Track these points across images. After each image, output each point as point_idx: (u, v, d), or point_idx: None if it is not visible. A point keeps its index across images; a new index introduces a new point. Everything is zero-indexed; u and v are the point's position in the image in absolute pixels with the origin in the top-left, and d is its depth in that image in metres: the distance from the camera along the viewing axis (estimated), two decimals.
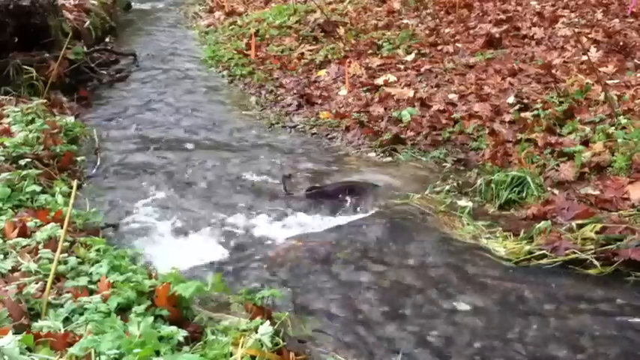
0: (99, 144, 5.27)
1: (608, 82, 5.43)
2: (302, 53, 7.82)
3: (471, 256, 3.48)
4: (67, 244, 3.10)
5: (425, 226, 3.83)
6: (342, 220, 4.00)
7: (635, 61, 6.12)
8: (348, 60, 7.10)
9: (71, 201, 3.10)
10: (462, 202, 4.08)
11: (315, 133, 5.63)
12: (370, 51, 7.53)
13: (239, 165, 4.91)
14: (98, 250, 3.10)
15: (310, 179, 4.60)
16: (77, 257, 3.00)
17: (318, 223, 3.98)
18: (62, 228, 3.00)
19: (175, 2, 13.65)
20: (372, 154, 5.07)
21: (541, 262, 3.36)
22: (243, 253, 3.63)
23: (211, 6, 12.08)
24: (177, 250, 3.65)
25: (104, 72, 7.52)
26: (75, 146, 5.02)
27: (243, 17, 10.25)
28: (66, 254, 2.98)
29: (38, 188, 3.84)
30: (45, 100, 5.62)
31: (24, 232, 3.20)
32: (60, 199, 3.80)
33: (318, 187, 4.40)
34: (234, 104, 6.61)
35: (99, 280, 2.73)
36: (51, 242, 3.10)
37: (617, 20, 7.34)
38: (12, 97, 5.59)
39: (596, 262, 3.26)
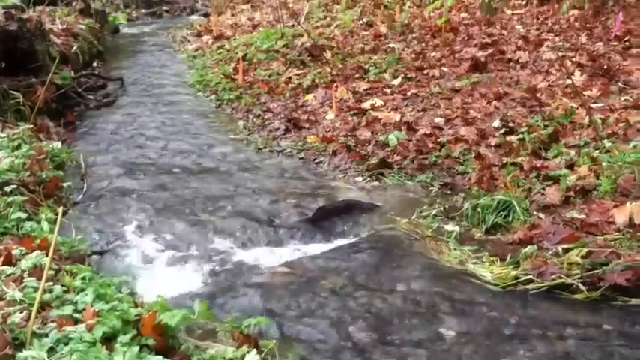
0: (85, 169, 5.26)
1: (593, 105, 5.48)
2: (289, 77, 7.87)
3: (458, 281, 3.48)
4: (52, 272, 3.07)
5: (412, 251, 3.83)
6: (329, 245, 4.00)
7: (619, 84, 6.17)
8: (335, 84, 7.15)
9: (57, 228, 3.09)
10: (449, 227, 4.09)
11: (302, 158, 5.64)
12: (357, 75, 7.59)
13: (227, 190, 4.90)
14: (84, 278, 3.07)
15: (297, 204, 4.59)
16: (62, 285, 2.97)
17: (306, 249, 3.97)
18: (48, 256, 2.99)
19: (163, 26, 13.76)
20: (360, 179, 5.08)
21: (528, 286, 3.36)
22: (230, 279, 3.61)
23: (199, 30, 12.18)
24: (164, 278, 3.63)
25: (91, 97, 7.55)
26: (61, 172, 5.00)
27: (231, 41, 10.33)
28: (51, 282, 2.95)
29: (24, 215, 3.82)
30: (31, 126, 5.62)
31: (9, 260, 3.18)
32: (46, 226, 3.77)
33: (324, 207, 4.39)
34: (222, 128, 6.63)
35: (84, 309, 2.71)
36: (36, 270, 3.07)
37: (600, 44, 7.43)
38: None
39: (582, 287, 3.26)
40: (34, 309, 2.58)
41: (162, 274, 3.68)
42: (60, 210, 3.41)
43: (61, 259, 3.42)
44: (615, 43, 7.36)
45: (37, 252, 3.25)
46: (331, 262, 3.71)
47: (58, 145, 5.48)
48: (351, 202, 4.48)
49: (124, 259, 3.85)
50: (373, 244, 3.93)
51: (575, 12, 8.64)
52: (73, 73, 7.41)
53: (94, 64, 9.28)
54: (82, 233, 3.99)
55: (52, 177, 4.69)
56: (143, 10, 16.52)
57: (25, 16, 7.00)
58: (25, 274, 3.04)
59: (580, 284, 3.28)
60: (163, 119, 6.86)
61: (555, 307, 3.20)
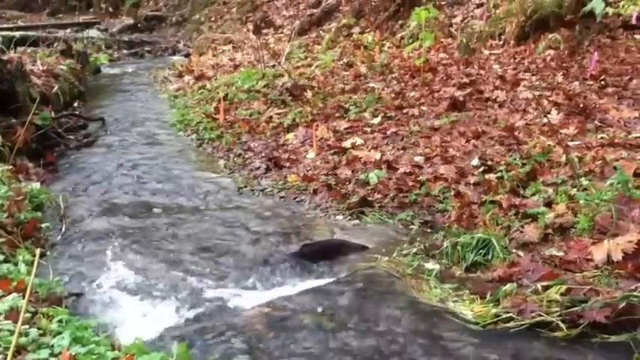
0: (64, 210, 5.22)
1: (570, 143, 5.55)
2: (270, 117, 7.91)
3: (439, 319, 3.48)
4: (28, 315, 3.04)
5: (393, 290, 3.83)
6: (310, 284, 3.98)
7: (596, 122, 6.25)
8: (315, 123, 7.19)
9: (34, 270, 3.07)
10: (430, 265, 4.09)
11: (283, 197, 5.65)
12: (337, 114, 7.65)
13: (207, 229, 4.89)
14: (60, 321, 3.04)
15: (278, 243, 4.58)
16: (39, 329, 2.94)
17: (287, 288, 3.95)
18: (24, 298, 2.95)
19: (145, 67, 13.82)
20: (340, 217, 5.09)
21: (508, 325, 3.36)
22: (209, 320, 3.57)
23: (181, 70, 12.24)
24: (142, 319, 3.59)
25: (72, 137, 7.54)
26: (40, 213, 4.96)
27: (213, 81, 10.39)
28: (27, 326, 2.91)
29: (1, 257, 3.78)
30: (10, 167, 5.59)
31: None
32: (23, 268, 3.74)
33: (311, 244, 4.39)
34: (203, 168, 6.63)
35: (60, 353, 2.68)
36: (12, 313, 3.03)
37: (577, 83, 7.55)
38: None
39: (562, 325, 3.27)
40: (10, 353, 2.54)
41: (140, 316, 3.64)
42: (37, 252, 3.38)
43: (37, 302, 3.38)
44: (591, 82, 7.48)
45: (14, 294, 3.22)
46: (312, 301, 3.69)
47: (37, 185, 5.44)
48: (335, 241, 4.48)
49: (101, 300, 3.80)
50: (354, 282, 3.92)
51: (551, 52, 8.79)
52: (53, 114, 7.41)
53: (75, 105, 9.28)
54: (59, 275, 3.95)
55: (30, 218, 4.66)
56: (125, 51, 16.60)
57: (5, 57, 7.03)
58: (1, 318, 3.00)
59: (560, 322, 3.28)
60: (144, 159, 6.85)
61: (536, 345, 3.19)
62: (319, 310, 3.58)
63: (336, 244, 4.45)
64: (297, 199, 5.55)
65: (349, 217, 5.05)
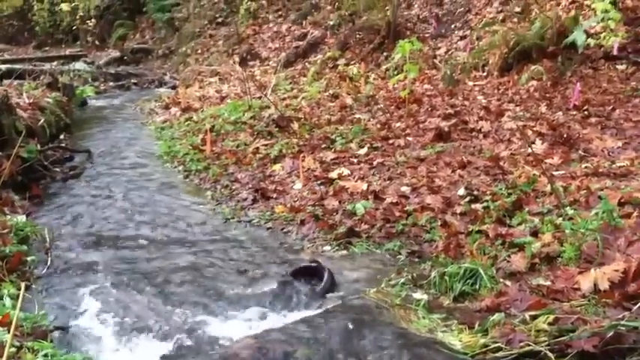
0: (50, 243, 5.18)
1: (554, 173, 5.61)
2: (257, 148, 7.94)
3: (428, 350, 3.46)
4: (13, 349, 3.01)
5: (381, 321, 3.82)
6: (297, 315, 3.96)
7: (580, 152, 6.33)
8: (302, 154, 7.22)
9: (19, 304, 3.03)
10: (417, 295, 4.09)
11: (270, 228, 5.64)
12: (324, 145, 7.68)
13: (194, 261, 4.87)
14: (46, 355, 3.02)
15: (265, 275, 4.57)
16: None
17: (273, 320, 3.92)
18: (9, 332, 2.92)
19: (131, 99, 13.85)
20: (327, 247, 5.09)
21: (497, 354, 3.35)
22: (196, 353, 3.54)
23: (167, 102, 12.28)
24: (128, 353, 3.56)
25: (58, 169, 7.51)
26: (25, 246, 4.92)
27: (199, 113, 10.43)
28: None
29: None
30: None
31: None
32: (8, 302, 3.71)
33: (301, 267, 4.41)
34: (190, 199, 6.62)
35: None
36: None
37: (560, 113, 7.65)
38: None
39: (550, 354, 3.26)
40: None
41: (126, 349, 3.60)
42: (22, 285, 3.35)
43: (23, 336, 3.35)
44: (574, 113, 7.58)
45: None
46: (299, 332, 3.67)
47: (22, 218, 5.42)
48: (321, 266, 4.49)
49: (87, 334, 3.75)
50: (342, 313, 3.90)
51: (535, 83, 8.91)
52: (39, 146, 7.39)
53: (61, 137, 9.27)
54: (44, 308, 3.91)
55: (15, 251, 4.62)
56: (111, 83, 16.63)
57: None
58: None
59: (548, 351, 3.27)
60: (130, 190, 6.83)
61: None
62: (307, 341, 3.56)
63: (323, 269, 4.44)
64: (284, 230, 5.54)
65: (337, 248, 5.06)
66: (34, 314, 3.68)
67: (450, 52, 11.68)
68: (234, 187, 6.79)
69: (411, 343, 3.54)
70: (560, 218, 4.61)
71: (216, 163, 7.59)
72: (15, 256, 4.55)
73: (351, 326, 3.70)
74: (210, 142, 8.21)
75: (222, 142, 8.42)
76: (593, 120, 7.24)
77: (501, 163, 6.12)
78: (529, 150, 6.13)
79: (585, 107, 7.65)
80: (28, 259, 4.69)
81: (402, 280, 4.30)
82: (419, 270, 4.50)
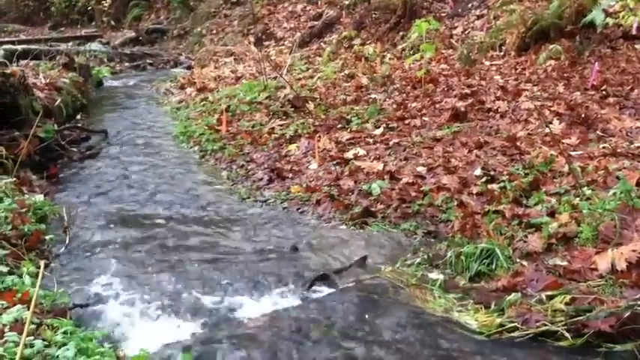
0: (68, 222, 5.23)
1: (572, 153, 5.57)
2: (272, 128, 7.93)
3: (443, 329, 3.48)
4: (33, 326, 3.05)
5: (397, 300, 3.83)
6: (314, 295, 3.98)
7: (598, 132, 6.28)
8: (317, 134, 7.21)
9: (38, 282, 3.08)
10: (433, 275, 4.09)
11: (286, 207, 5.66)
12: (339, 125, 7.67)
13: (210, 240, 4.89)
14: (65, 333, 3.05)
15: (281, 254, 4.59)
16: (44, 340, 2.94)
17: (291, 299, 3.94)
18: (29, 310, 2.96)
19: (147, 79, 13.86)
20: (343, 227, 5.10)
21: (513, 334, 3.36)
22: (213, 331, 3.57)
23: (183, 82, 12.27)
24: (147, 330, 3.58)
25: (75, 149, 7.55)
26: (44, 225, 4.97)
27: (215, 93, 10.41)
28: (32, 337, 2.92)
29: (5, 269, 3.80)
30: (14, 179, 5.60)
31: None
32: (27, 279, 3.74)
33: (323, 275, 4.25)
34: (206, 179, 6.64)
35: None
36: (17, 325, 3.04)
37: (578, 93, 7.57)
38: None
39: (566, 334, 3.27)
40: None
41: (144, 327, 3.64)
42: (42, 263, 3.40)
43: (42, 313, 3.38)
44: (592, 93, 7.50)
45: (19, 306, 3.23)
46: (316, 312, 3.70)
47: (40, 197, 5.46)
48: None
49: (106, 311, 3.79)
50: (358, 293, 3.92)
51: (552, 62, 8.81)
52: (56, 126, 7.42)
53: (78, 117, 9.30)
54: (63, 286, 3.95)
55: (34, 230, 4.67)
56: (127, 64, 16.63)
57: (8, 70, 7.04)
58: (5, 329, 3.01)
59: (565, 331, 3.28)
60: (147, 170, 6.87)
61: (541, 354, 3.20)
62: (324, 320, 3.58)
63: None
64: (299, 210, 5.55)
65: (352, 228, 5.06)
66: (54, 292, 3.72)
67: (466, 32, 11.56)
68: (249, 167, 6.80)
69: (427, 322, 3.56)
70: (578, 198, 4.58)
71: (231, 143, 7.59)
72: (34, 235, 4.59)
73: (367, 305, 3.72)
74: (226, 123, 8.21)
75: (237, 123, 8.42)
76: (611, 100, 7.16)
77: (518, 144, 6.08)
78: (546, 130, 6.08)
79: (603, 87, 7.56)
80: (47, 237, 4.74)
81: (418, 259, 4.31)
82: (435, 250, 4.50)
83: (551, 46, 9.00)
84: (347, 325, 3.53)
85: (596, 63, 7.96)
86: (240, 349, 3.30)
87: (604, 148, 5.72)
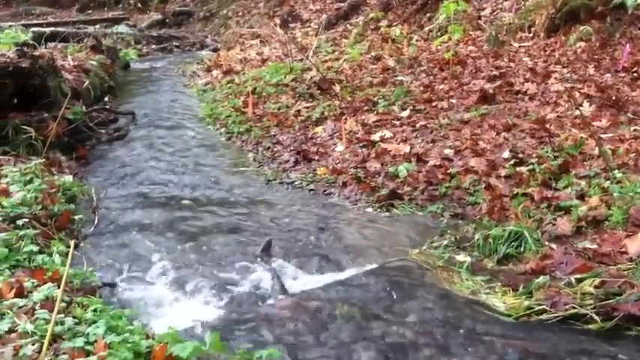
0: (97, 203, 5.28)
1: (602, 136, 5.48)
2: (299, 110, 7.91)
3: (471, 311, 3.46)
4: (64, 304, 3.09)
5: (423, 282, 3.82)
6: (340, 276, 3.98)
7: (629, 114, 6.17)
8: (344, 117, 7.18)
9: (68, 261, 3.12)
10: (460, 257, 4.07)
11: (312, 189, 5.65)
12: (366, 108, 7.62)
13: (237, 222, 4.91)
14: (95, 311, 3.08)
15: (308, 235, 4.59)
16: (74, 318, 2.98)
17: (317, 280, 3.95)
18: (59, 288, 3.00)
19: (174, 62, 13.90)
20: (370, 210, 5.09)
21: (541, 317, 3.34)
22: (240, 311, 3.60)
23: (209, 65, 12.27)
24: (175, 309, 3.63)
25: (103, 131, 7.60)
26: (73, 205, 5.02)
27: (241, 76, 10.41)
28: (62, 315, 2.96)
29: (35, 248, 3.84)
30: (43, 160, 5.66)
31: (21, 293, 3.19)
32: (57, 258, 3.79)
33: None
34: (232, 161, 6.65)
35: (95, 341, 2.71)
36: (48, 303, 3.09)
37: (609, 75, 7.44)
38: (11, 157, 5.62)
39: (596, 317, 3.24)
40: (46, 341, 2.58)
41: (172, 306, 3.68)
42: (71, 243, 3.43)
43: (72, 292, 3.43)
44: (623, 75, 7.37)
45: (49, 284, 3.27)
46: (342, 292, 3.70)
47: (69, 178, 5.51)
48: None
49: (134, 290, 3.84)
50: (385, 274, 3.91)
51: (582, 44, 8.66)
52: (84, 108, 7.47)
53: (106, 99, 9.36)
54: (93, 266, 4.00)
55: (63, 210, 4.72)
56: (154, 46, 16.67)
57: (37, 53, 7.10)
58: (36, 307, 3.05)
59: (594, 314, 3.25)
60: (174, 152, 6.90)
61: (569, 337, 3.17)
62: (350, 300, 3.58)
63: None
64: (326, 192, 5.55)
65: (379, 210, 5.05)
66: (83, 271, 3.76)
67: (495, 13, 11.40)
68: (275, 150, 6.80)
69: (454, 303, 3.55)
70: (608, 181, 4.52)
71: (258, 126, 7.60)
72: (63, 215, 4.64)
73: (393, 287, 3.71)
74: (252, 105, 8.21)
75: (263, 105, 8.42)
76: None
77: (548, 126, 5.99)
78: (576, 112, 5.99)
79: (634, 69, 7.42)
80: (76, 217, 4.78)
81: (445, 242, 4.29)
82: (462, 232, 4.47)
83: (582, 28, 8.85)
84: (373, 306, 3.53)
85: (627, 45, 7.81)
86: (265, 329, 3.32)
87: (635, 130, 5.63)
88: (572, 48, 8.68)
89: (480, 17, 11.50)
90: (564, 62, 8.24)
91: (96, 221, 4.93)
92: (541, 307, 3.38)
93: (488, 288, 3.70)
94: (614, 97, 6.58)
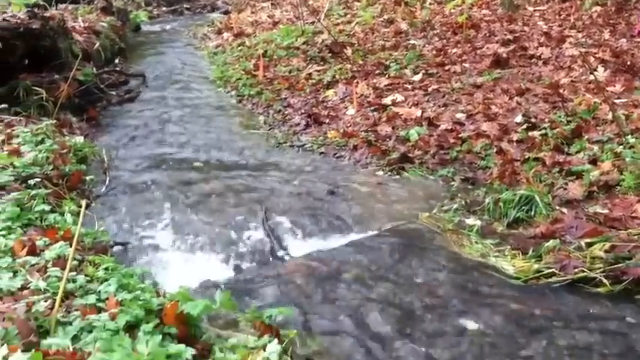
0: (108, 163, 5.30)
1: (616, 101, 5.43)
2: (310, 74, 7.88)
3: (480, 274, 3.47)
4: (75, 262, 3.11)
5: (433, 245, 3.83)
6: (350, 238, 3.99)
7: None
8: (355, 80, 7.15)
9: (80, 220, 3.13)
10: (470, 221, 4.07)
11: (322, 153, 5.65)
12: (378, 71, 7.58)
13: (247, 184, 4.92)
14: (107, 269, 3.10)
15: (318, 198, 4.59)
16: (86, 275, 3.00)
17: (327, 241, 3.97)
18: (71, 247, 3.02)
19: (184, 24, 13.82)
20: (380, 173, 5.08)
21: (550, 280, 3.34)
22: (251, 271, 3.63)
23: (220, 27, 12.21)
24: (186, 268, 3.65)
25: (113, 93, 7.60)
26: (84, 166, 5.05)
27: (251, 38, 10.36)
28: (74, 272, 2.98)
29: (47, 207, 3.86)
30: (54, 121, 5.68)
31: (33, 251, 3.21)
32: (69, 218, 3.81)
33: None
34: (243, 124, 6.64)
35: (107, 299, 2.73)
36: (60, 261, 3.11)
37: (624, 40, 7.36)
38: (22, 118, 5.64)
39: (605, 281, 3.24)
40: (58, 298, 2.60)
41: (183, 265, 3.71)
42: (83, 202, 3.44)
43: (84, 250, 3.45)
44: (639, 40, 7.27)
45: (61, 243, 3.29)
46: (352, 254, 3.71)
47: (80, 139, 5.52)
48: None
49: (146, 250, 3.87)
50: (394, 237, 3.92)
51: (598, 8, 8.56)
52: (95, 70, 7.46)
53: (116, 61, 9.33)
54: (104, 225, 4.02)
55: (74, 171, 4.74)
56: (164, 8, 16.59)
57: (47, 14, 7.06)
58: (48, 265, 3.07)
59: (603, 278, 3.26)
60: (185, 114, 6.89)
61: (578, 300, 3.18)
62: (359, 262, 3.60)
63: None
64: (336, 155, 5.54)
65: (389, 173, 5.04)
66: (95, 230, 3.79)
67: None
68: (286, 112, 6.79)
69: (463, 266, 3.55)
70: (621, 146, 4.50)
71: (268, 89, 7.57)
72: (74, 175, 4.66)
73: (402, 249, 3.72)
74: (263, 68, 8.18)
75: (274, 68, 8.38)
76: None
77: (561, 91, 5.94)
78: (591, 77, 5.93)
79: None
80: (87, 178, 4.81)
81: (455, 206, 4.29)
82: (472, 196, 4.46)
83: None
84: (382, 267, 3.54)
85: None
86: (275, 289, 3.34)
87: None
88: (588, 12, 8.57)
89: None
90: (579, 27, 8.14)
91: (107, 182, 4.95)
92: (550, 270, 3.38)
93: (498, 251, 3.70)
94: (628, 62, 6.51)
